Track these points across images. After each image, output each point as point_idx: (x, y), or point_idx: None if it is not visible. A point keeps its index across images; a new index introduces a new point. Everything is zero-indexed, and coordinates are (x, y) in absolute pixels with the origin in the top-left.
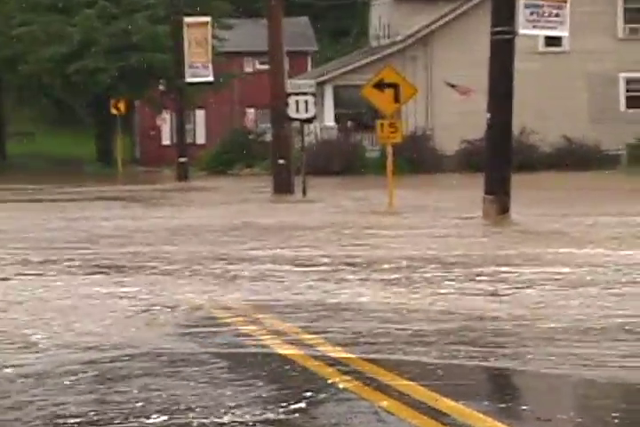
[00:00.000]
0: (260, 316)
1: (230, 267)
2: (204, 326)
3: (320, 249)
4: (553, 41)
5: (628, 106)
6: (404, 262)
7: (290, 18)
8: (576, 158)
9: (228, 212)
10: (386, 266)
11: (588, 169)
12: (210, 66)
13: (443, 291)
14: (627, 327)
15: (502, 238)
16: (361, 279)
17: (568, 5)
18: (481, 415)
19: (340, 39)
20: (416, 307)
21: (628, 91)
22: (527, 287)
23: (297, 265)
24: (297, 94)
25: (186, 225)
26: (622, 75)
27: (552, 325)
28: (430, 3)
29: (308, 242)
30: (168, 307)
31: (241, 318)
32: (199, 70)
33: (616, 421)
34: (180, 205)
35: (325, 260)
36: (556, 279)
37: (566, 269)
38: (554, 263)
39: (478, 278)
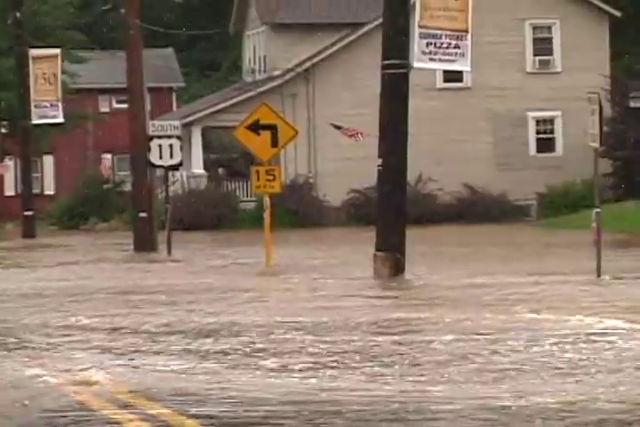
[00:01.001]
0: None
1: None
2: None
3: (154, 315)
4: (453, 76)
5: (539, 150)
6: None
7: (152, 49)
8: (480, 209)
9: (75, 273)
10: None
11: (493, 221)
12: (60, 105)
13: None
14: None
15: (394, 302)
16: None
17: (469, 36)
18: None
19: (210, 73)
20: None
21: (537, 132)
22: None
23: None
24: (160, 137)
25: (23, 290)
26: (531, 114)
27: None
28: (311, 32)
29: (149, 308)
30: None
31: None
32: (47, 110)
33: None
34: (25, 265)
35: (149, 327)
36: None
37: (449, 337)
38: (438, 330)
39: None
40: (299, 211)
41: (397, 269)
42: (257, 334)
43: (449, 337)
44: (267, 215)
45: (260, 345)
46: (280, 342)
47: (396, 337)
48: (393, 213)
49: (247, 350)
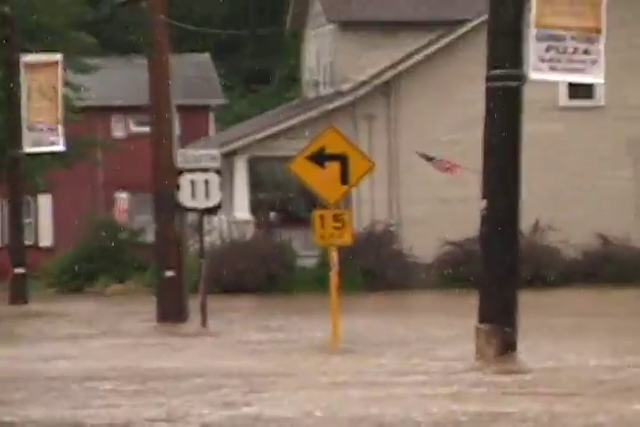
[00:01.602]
0: None
1: None
2: None
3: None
4: (581, 90)
5: None
6: None
7: (183, 55)
8: (616, 268)
9: (73, 352)
10: None
11: (634, 284)
12: (60, 128)
13: None
14: None
15: (503, 397)
16: None
17: (603, 37)
18: None
19: (259, 87)
20: None
21: None
22: None
23: None
24: (193, 171)
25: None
26: None
27: None
28: (394, 33)
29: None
30: None
31: None
32: (44, 135)
33: None
34: (8, 340)
35: None
36: None
37: None
38: None
39: None
40: (375, 270)
41: (506, 346)
42: None
43: None
44: (333, 275)
45: None
46: None
47: None
48: (501, 272)
49: None
